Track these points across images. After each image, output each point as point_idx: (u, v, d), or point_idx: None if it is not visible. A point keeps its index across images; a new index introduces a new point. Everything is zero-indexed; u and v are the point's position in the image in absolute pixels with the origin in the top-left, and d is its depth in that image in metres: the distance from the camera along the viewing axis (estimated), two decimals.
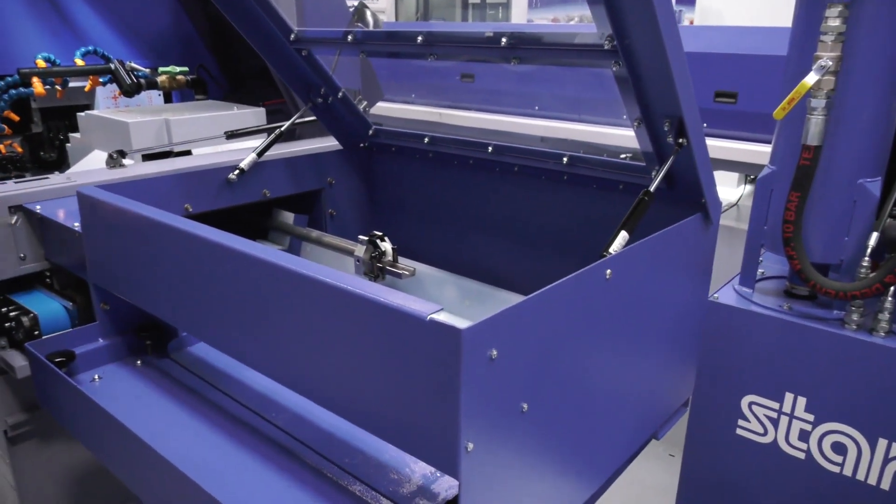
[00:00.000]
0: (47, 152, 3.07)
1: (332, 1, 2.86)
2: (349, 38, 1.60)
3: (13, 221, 1.68)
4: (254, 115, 2.63)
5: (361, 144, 2.04)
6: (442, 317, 0.81)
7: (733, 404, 1.94)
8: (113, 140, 2.37)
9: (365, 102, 2.05)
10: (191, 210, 1.68)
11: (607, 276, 1.02)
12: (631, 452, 1.30)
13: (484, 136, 1.83)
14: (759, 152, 2.62)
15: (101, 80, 2.74)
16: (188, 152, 2.42)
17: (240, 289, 1.09)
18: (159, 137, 2.40)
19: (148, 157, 2.33)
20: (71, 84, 2.76)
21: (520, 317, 0.87)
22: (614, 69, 1.14)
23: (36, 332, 1.66)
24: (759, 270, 2.04)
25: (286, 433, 1.24)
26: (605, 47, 1.14)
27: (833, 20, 1.39)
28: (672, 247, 1.21)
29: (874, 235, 1.66)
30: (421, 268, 1.75)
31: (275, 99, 3.04)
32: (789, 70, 1.79)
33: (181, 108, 2.78)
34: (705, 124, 2.66)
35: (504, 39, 1.32)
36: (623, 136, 2.92)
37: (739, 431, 1.95)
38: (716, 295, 1.96)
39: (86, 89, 2.77)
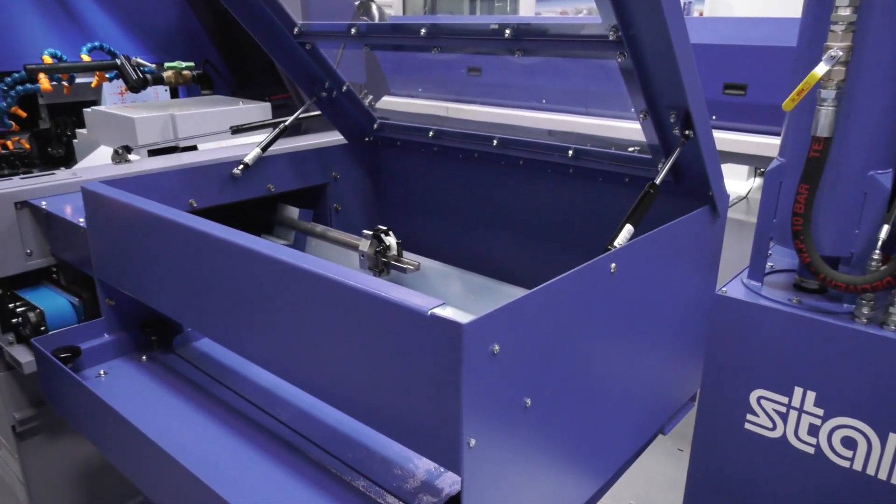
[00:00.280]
0: (55, 148, 3.08)
1: None
2: (353, 31, 1.59)
3: (19, 217, 1.69)
4: (259, 110, 2.62)
5: (366, 139, 2.03)
6: (443, 311, 0.80)
7: (741, 399, 1.92)
8: (119, 135, 2.37)
9: (370, 97, 2.04)
10: (195, 205, 1.67)
11: (612, 270, 1.01)
12: (637, 448, 1.29)
13: (490, 129, 1.82)
14: (768, 144, 2.59)
15: (107, 75, 2.75)
16: (194, 147, 2.42)
17: (243, 284, 1.09)
18: (165, 133, 2.40)
19: (153, 153, 2.34)
20: (78, 80, 2.76)
21: (522, 311, 0.86)
22: (619, 60, 1.12)
23: (42, 328, 1.67)
24: (769, 264, 2.01)
25: (290, 429, 1.23)
26: (610, 38, 1.12)
27: (843, 9, 1.37)
28: (678, 240, 1.19)
29: (885, 228, 1.63)
30: (426, 262, 1.74)
31: (281, 94, 3.04)
32: (799, 60, 1.77)
33: (187, 103, 2.78)
34: (714, 117, 2.63)
35: (508, 31, 1.30)
36: (631, 129, 2.89)
37: (748, 426, 1.94)
38: (724, 289, 1.94)
39: (92, 85, 2.78)
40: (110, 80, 2.76)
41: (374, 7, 2.77)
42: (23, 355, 1.72)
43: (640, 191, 1.21)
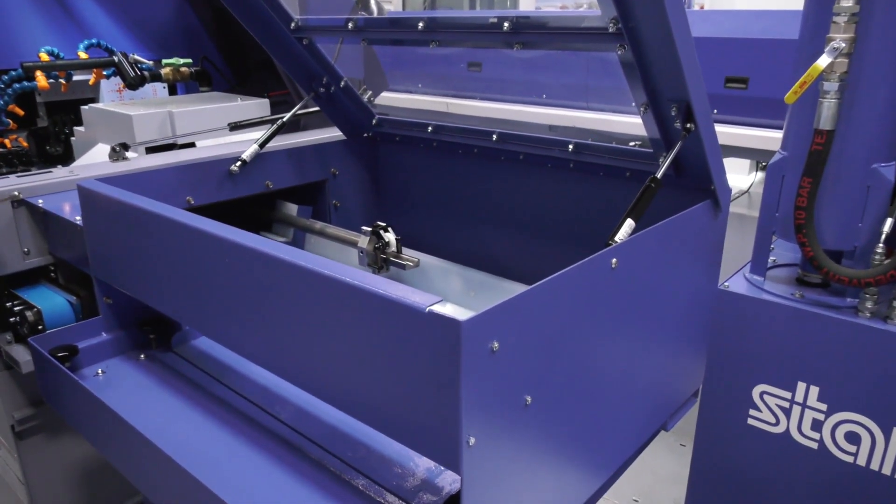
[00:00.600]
0: (53, 146, 3.07)
1: None
2: (350, 25, 1.58)
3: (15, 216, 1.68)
4: (258, 107, 2.61)
5: (365, 134, 2.02)
6: (442, 308, 0.79)
7: (744, 394, 1.91)
8: (117, 133, 2.36)
9: (369, 92, 2.02)
10: (193, 203, 1.66)
11: (613, 265, 0.99)
12: (639, 444, 1.27)
13: (489, 124, 1.80)
14: (770, 138, 2.58)
15: (104, 73, 2.74)
16: (192, 144, 2.41)
17: (241, 282, 1.08)
18: (163, 130, 2.39)
19: (151, 150, 2.32)
20: (75, 77, 2.75)
21: (522, 308, 0.85)
22: (619, 53, 1.11)
23: (40, 327, 1.66)
24: (771, 258, 2.00)
25: (290, 427, 1.22)
26: (610, 30, 1.11)
27: (846, 1, 1.35)
28: (680, 234, 1.18)
29: (889, 221, 1.62)
30: (425, 258, 1.73)
31: (279, 90, 3.02)
32: (801, 53, 1.75)
33: (185, 100, 2.77)
34: (715, 110, 2.61)
35: (507, 24, 1.29)
36: (631, 124, 2.88)
37: (751, 421, 1.93)
38: (726, 283, 1.93)
39: (90, 82, 2.77)
40: (108, 77, 2.75)
41: (372, 1, 2.76)
42: (21, 354, 1.71)
43: (641, 185, 1.20)
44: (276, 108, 2.71)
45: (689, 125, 1.15)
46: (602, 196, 1.54)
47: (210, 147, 2.31)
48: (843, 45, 1.58)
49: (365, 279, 0.88)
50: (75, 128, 2.75)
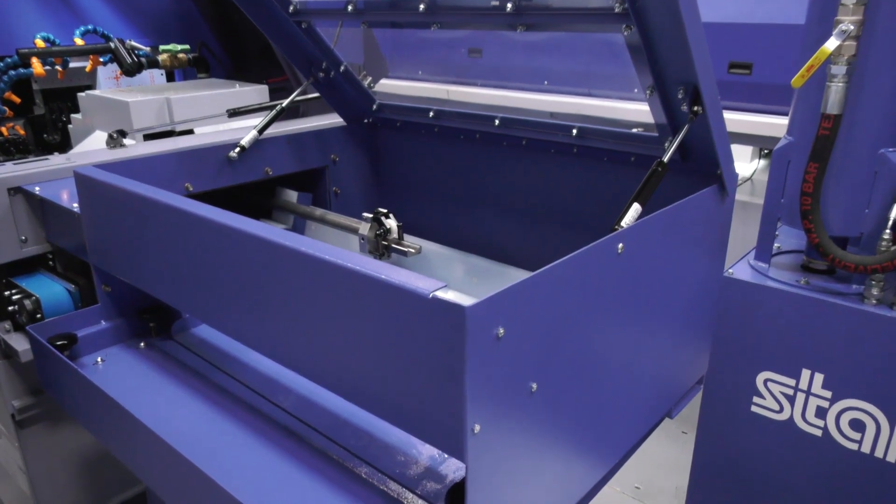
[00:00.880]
0: (50, 134, 3.04)
1: None
2: (350, 7, 1.55)
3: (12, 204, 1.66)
4: (257, 93, 2.59)
5: (365, 120, 2.00)
6: (445, 294, 0.77)
7: (748, 381, 1.90)
8: (114, 120, 2.34)
9: (369, 78, 2.00)
10: (192, 189, 1.64)
11: (619, 251, 0.98)
12: (644, 432, 1.26)
13: (491, 111, 1.78)
14: (774, 125, 2.55)
15: (101, 59, 2.71)
16: (190, 132, 2.38)
17: (241, 269, 1.06)
18: (161, 116, 2.37)
19: (149, 137, 2.30)
20: (72, 64, 2.72)
21: (527, 293, 0.83)
22: (625, 34, 1.09)
23: (39, 316, 1.65)
24: (775, 245, 1.99)
25: (291, 416, 1.21)
26: (616, 10, 1.08)
27: None
28: (687, 220, 1.16)
29: None
30: (427, 245, 1.71)
31: (278, 77, 3.00)
32: (808, 36, 1.72)
33: (183, 86, 2.74)
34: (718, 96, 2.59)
35: (510, 5, 1.26)
36: (635, 111, 2.86)
37: (754, 409, 1.92)
38: (731, 270, 1.92)
39: (87, 69, 2.74)
40: (104, 63, 2.72)
41: None
42: (20, 343, 1.70)
43: (646, 170, 1.18)
44: (275, 94, 2.68)
45: (696, 108, 1.13)
46: (606, 182, 1.52)
47: (209, 134, 2.29)
48: (852, 27, 1.55)
49: (367, 265, 0.86)
50: (72, 115, 2.72)
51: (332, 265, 0.89)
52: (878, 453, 1.71)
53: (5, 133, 2.88)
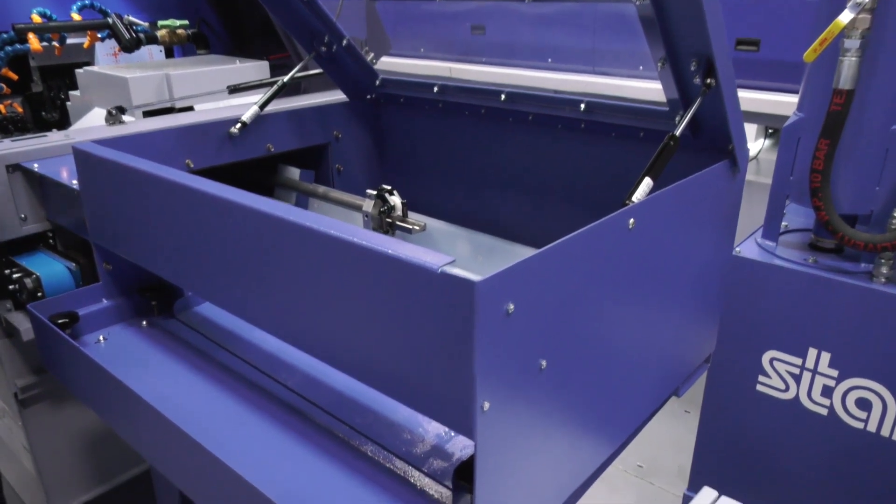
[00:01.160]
0: (49, 112, 3.01)
1: None
2: None
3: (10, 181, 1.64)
4: (257, 69, 2.55)
5: (368, 96, 1.97)
6: (454, 269, 0.75)
7: (754, 360, 1.90)
8: (113, 97, 2.31)
9: (371, 54, 1.96)
10: (192, 166, 1.62)
11: (630, 226, 0.96)
12: (652, 410, 1.25)
13: (496, 86, 1.75)
14: (781, 102, 2.52)
15: (99, 35, 2.66)
16: (190, 108, 2.35)
17: (244, 245, 1.04)
18: (160, 93, 2.33)
19: (149, 114, 2.27)
20: (69, 41, 2.68)
21: (538, 269, 0.81)
22: (637, 2, 1.06)
23: (39, 294, 1.63)
24: (783, 223, 1.97)
25: (296, 394, 1.20)
26: None
27: None
28: (698, 196, 1.14)
29: None
30: (432, 222, 1.69)
31: (279, 53, 2.96)
32: (821, 9, 1.69)
33: (182, 62, 2.70)
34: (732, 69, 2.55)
35: None
36: (640, 89, 2.82)
37: (760, 388, 1.92)
38: (738, 249, 1.90)
39: (85, 45, 2.70)
40: (102, 39, 2.68)
41: None
42: (21, 322, 1.69)
43: (654, 147, 1.15)
44: (276, 71, 2.64)
45: (709, 80, 1.10)
46: (613, 158, 1.50)
47: (209, 111, 2.26)
48: (867, 0, 1.52)
49: (374, 239, 0.84)
50: (70, 92, 2.69)
51: (338, 240, 0.87)
52: (885, 432, 1.71)
53: (3, 111, 2.84)
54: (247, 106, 1.74)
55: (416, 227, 1.53)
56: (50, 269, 1.68)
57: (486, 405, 0.78)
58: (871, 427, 1.75)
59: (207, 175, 1.18)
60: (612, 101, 1.43)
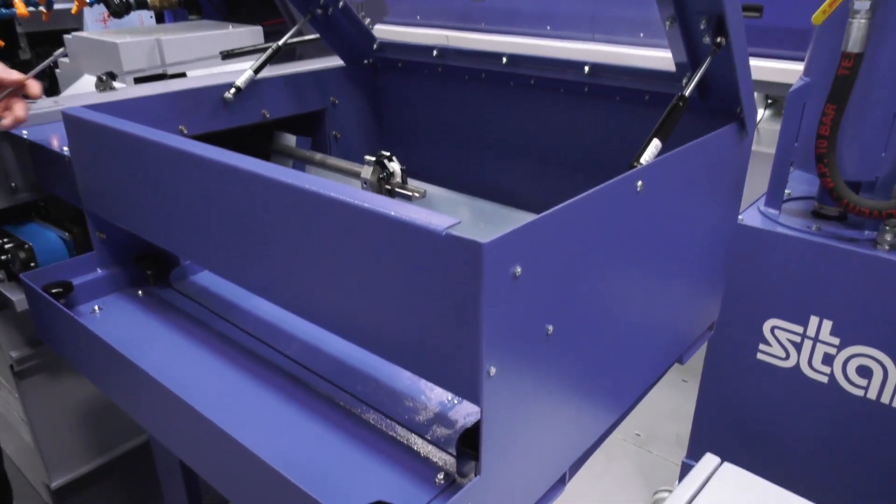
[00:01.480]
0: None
1: None
2: None
3: None
4: (251, 35, 2.49)
5: (365, 61, 1.92)
6: (460, 231, 0.73)
7: (755, 329, 1.89)
8: (103, 63, 2.25)
9: (367, 20, 1.91)
10: (186, 132, 1.58)
11: (638, 188, 0.93)
12: (655, 377, 1.25)
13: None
14: (785, 70, 2.48)
15: (87, 0, 2.59)
16: (183, 75, 2.30)
17: (242, 211, 1.02)
18: (151, 59, 2.28)
19: (140, 80, 2.22)
20: (57, 6, 2.61)
21: (546, 231, 0.79)
22: None
23: (32, 265, 1.60)
24: (786, 191, 1.94)
25: (296, 362, 1.19)
26: None
27: None
28: (706, 159, 1.12)
29: None
30: (432, 189, 1.66)
31: (273, 19, 2.89)
32: None
33: (174, 27, 2.64)
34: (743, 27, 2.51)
35: None
36: (640, 56, 2.78)
37: (760, 356, 1.92)
38: (741, 216, 1.88)
39: (73, 11, 2.63)
40: (91, 5, 2.61)
41: None
42: (14, 293, 1.66)
43: (660, 111, 1.13)
44: (270, 38, 2.58)
45: (719, 39, 1.07)
46: (617, 122, 1.47)
47: (202, 77, 2.21)
48: None
49: (376, 201, 0.82)
50: (59, 59, 2.62)
51: (339, 202, 0.84)
52: (885, 399, 1.71)
53: None
54: (241, 72, 1.70)
55: (416, 194, 1.51)
56: (43, 238, 1.65)
57: (493, 370, 0.77)
58: (872, 394, 1.75)
59: (202, 141, 1.15)
60: (618, 64, 1.40)
